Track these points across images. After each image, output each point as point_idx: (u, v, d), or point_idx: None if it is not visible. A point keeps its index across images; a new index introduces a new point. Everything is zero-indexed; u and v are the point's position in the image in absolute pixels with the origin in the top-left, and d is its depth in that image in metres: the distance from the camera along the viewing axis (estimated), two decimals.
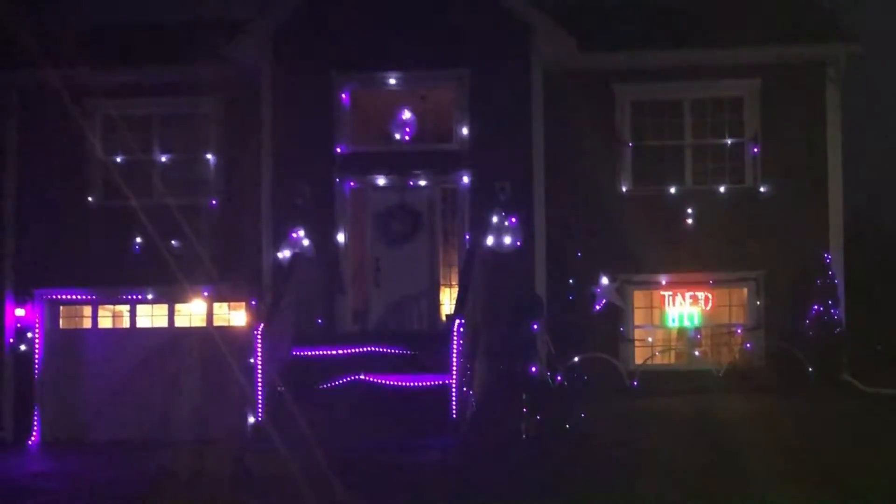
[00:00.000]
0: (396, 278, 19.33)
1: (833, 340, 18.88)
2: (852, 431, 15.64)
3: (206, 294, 20.17)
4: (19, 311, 20.36)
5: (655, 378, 18.79)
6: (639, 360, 19.46)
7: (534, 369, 17.82)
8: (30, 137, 20.57)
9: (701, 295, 19.72)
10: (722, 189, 19.75)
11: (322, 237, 18.90)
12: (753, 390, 18.04)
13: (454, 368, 15.56)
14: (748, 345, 19.40)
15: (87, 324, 20.72)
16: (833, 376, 18.57)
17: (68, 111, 19.57)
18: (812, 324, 18.90)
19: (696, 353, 19.66)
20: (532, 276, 18.74)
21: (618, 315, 19.55)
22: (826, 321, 18.91)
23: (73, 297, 20.58)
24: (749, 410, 16.68)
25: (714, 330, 19.80)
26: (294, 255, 18.42)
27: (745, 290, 19.73)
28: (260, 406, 16.04)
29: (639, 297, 19.91)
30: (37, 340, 20.30)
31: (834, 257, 19.37)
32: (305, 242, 18.58)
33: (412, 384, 16.08)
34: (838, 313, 19.02)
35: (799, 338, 18.87)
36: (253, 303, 19.63)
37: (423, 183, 19.50)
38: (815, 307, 18.95)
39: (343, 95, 19.43)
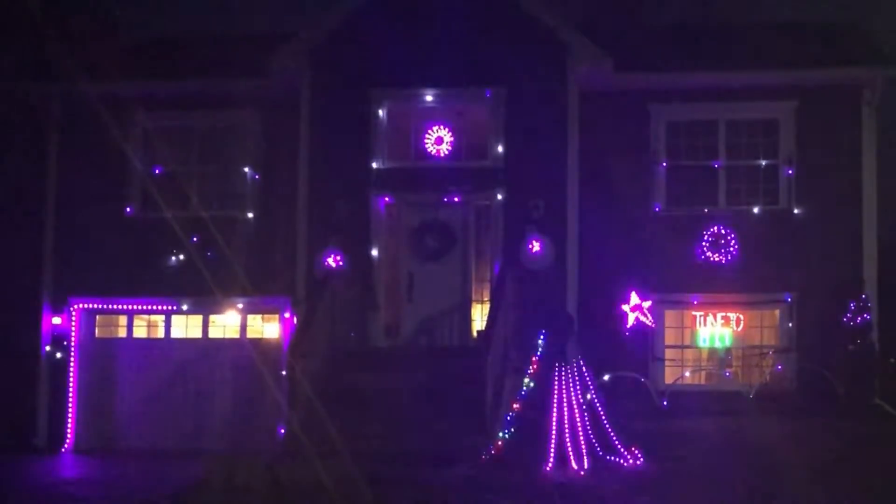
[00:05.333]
0: (429, 294, 19.41)
1: (865, 363, 18.80)
2: (883, 455, 15.58)
3: (240, 306, 20.33)
4: (56, 320, 20.58)
5: (685, 398, 18.77)
6: (669, 380, 19.45)
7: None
8: (70, 149, 20.80)
9: (733, 316, 19.71)
10: (756, 210, 19.76)
11: (356, 251, 19.00)
12: (784, 412, 17.97)
13: (485, 385, 15.62)
14: (779, 367, 19.38)
15: (123, 333, 20.91)
16: (864, 399, 18.46)
17: (108, 124, 19.76)
18: (844, 347, 18.83)
19: (727, 373, 19.65)
20: (564, 293, 18.76)
21: (649, 334, 19.58)
22: (859, 344, 18.84)
23: (109, 306, 20.75)
24: (779, 433, 16.63)
25: (745, 351, 19.79)
26: (328, 269, 18.52)
27: (777, 312, 19.71)
28: (291, 416, 16.13)
29: (670, 316, 19.93)
30: (72, 349, 20.51)
31: (868, 280, 19.31)
32: (339, 256, 18.69)
33: (443, 399, 16.13)
34: (871, 336, 18.96)
35: (831, 360, 18.81)
36: (286, 315, 19.79)
37: (457, 199, 19.57)
38: (848, 330, 18.88)
39: (380, 111, 19.58)
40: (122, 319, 20.94)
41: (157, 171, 20.54)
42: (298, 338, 16.61)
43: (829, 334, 19.05)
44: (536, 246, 18.53)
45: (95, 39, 21.57)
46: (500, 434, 15.77)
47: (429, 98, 19.61)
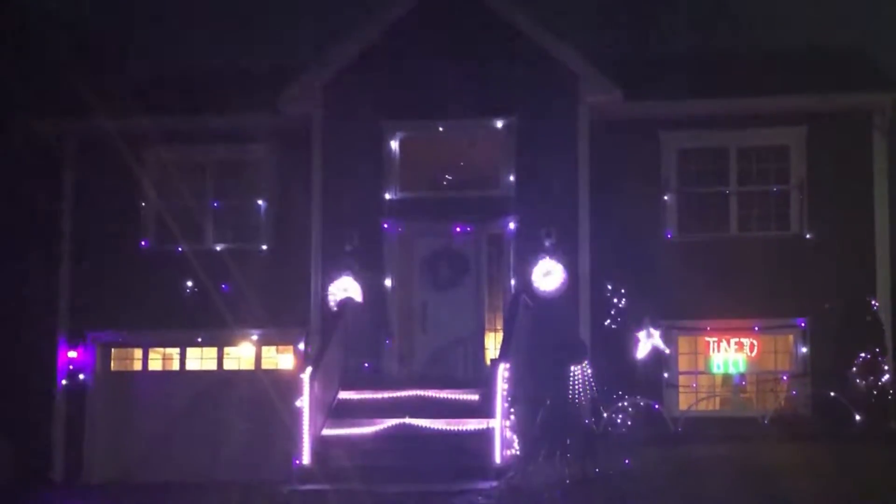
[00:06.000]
0: (442, 323, 19.49)
1: (880, 388, 18.74)
2: None
3: (254, 337, 20.43)
4: (72, 353, 20.64)
5: (700, 424, 18.68)
6: (683, 406, 19.42)
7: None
8: (85, 183, 20.94)
9: (746, 341, 19.67)
10: (768, 235, 19.77)
11: (370, 282, 19.11)
12: (799, 438, 17.86)
13: (498, 413, 15.63)
14: (794, 392, 19.33)
15: (138, 366, 21.00)
16: (880, 425, 18.38)
17: (123, 158, 20.06)
18: (859, 371, 18.77)
19: (741, 399, 19.60)
20: (576, 320, 18.84)
21: (662, 360, 19.55)
22: (873, 369, 18.78)
23: (125, 339, 20.86)
24: (796, 460, 16.55)
25: (759, 376, 19.75)
26: (342, 300, 18.62)
27: (791, 337, 19.69)
28: (306, 449, 16.17)
29: (683, 342, 19.92)
30: (88, 382, 20.58)
31: (881, 304, 19.27)
32: (353, 287, 18.79)
33: (456, 428, 16.16)
34: (885, 361, 18.88)
35: (845, 385, 18.73)
36: (301, 346, 19.86)
37: (469, 228, 19.68)
38: (862, 354, 18.83)
39: (392, 143, 19.73)
40: (138, 352, 21.02)
41: (171, 205, 20.66)
42: (312, 369, 16.66)
43: (843, 359, 18.99)
44: (549, 273, 18.57)
45: (108, 75, 21.83)
46: (514, 461, 15.78)
47: (440, 129, 19.74)
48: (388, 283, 19.44)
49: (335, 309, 18.57)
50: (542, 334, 18.27)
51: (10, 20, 23.56)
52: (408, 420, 16.35)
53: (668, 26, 27.83)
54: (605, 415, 18.36)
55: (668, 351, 19.51)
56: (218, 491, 17.31)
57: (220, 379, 20.50)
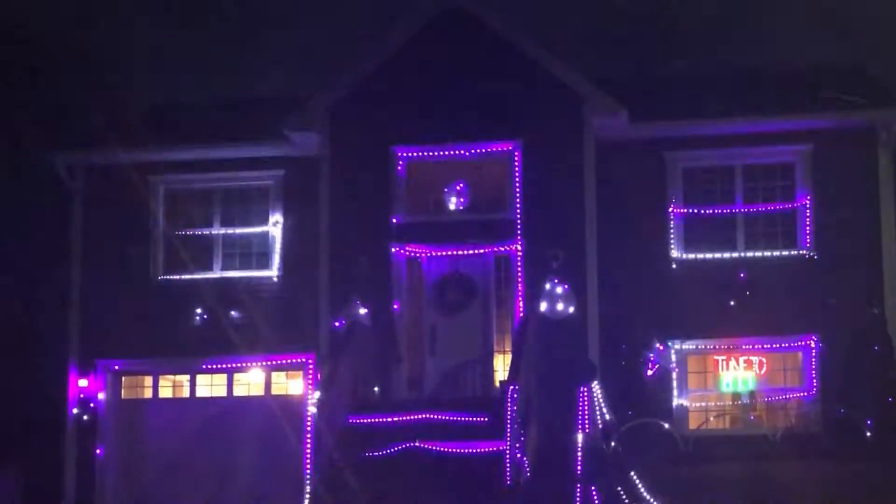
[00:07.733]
0: (451, 345, 19.52)
1: (891, 404, 18.69)
2: None
3: (264, 363, 20.44)
4: (82, 382, 20.64)
5: (710, 443, 18.62)
6: (693, 426, 19.37)
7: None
8: (95, 213, 21.01)
9: (755, 359, 19.63)
10: (774, 254, 19.77)
11: (378, 306, 19.11)
12: (811, 456, 17.81)
13: (508, 435, 15.64)
14: (804, 409, 19.29)
15: (148, 394, 21.01)
16: (892, 441, 18.31)
17: (132, 188, 20.22)
18: (869, 388, 18.73)
19: (752, 417, 19.57)
20: (585, 341, 18.82)
21: (671, 380, 19.54)
22: (884, 385, 18.74)
23: (135, 367, 20.85)
24: (808, 478, 16.54)
25: (769, 394, 19.69)
26: (351, 324, 18.64)
27: (800, 355, 19.65)
28: (316, 474, 16.17)
29: (692, 361, 19.89)
30: (99, 410, 20.58)
31: (890, 320, 19.23)
32: (362, 311, 18.79)
33: (467, 451, 16.16)
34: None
35: (856, 402, 18.68)
36: (310, 371, 19.89)
37: (477, 251, 19.72)
38: (873, 371, 18.79)
39: (399, 167, 19.83)
40: (148, 380, 21.02)
41: (179, 233, 20.77)
42: (322, 394, 16.71)
43: (853, 376, 18.95)
44: (557, 294, 18.60)
45: (116, 107, 21.98)
46: (524, 483, 15.77)
47: (447, 153, 19.81)
48: (396, 306, 19.48)
49: (344, 333, 18.58)
50: (552, 355, 18.25)
51: (19, 54, 23.79)
52: (418, 443, 16.35)
53: (670, 47, 27.93)
54: (614, 435, 18.34)
55: (676, 370, 19.49)
56: None
57: (230, 405, 20.49)
